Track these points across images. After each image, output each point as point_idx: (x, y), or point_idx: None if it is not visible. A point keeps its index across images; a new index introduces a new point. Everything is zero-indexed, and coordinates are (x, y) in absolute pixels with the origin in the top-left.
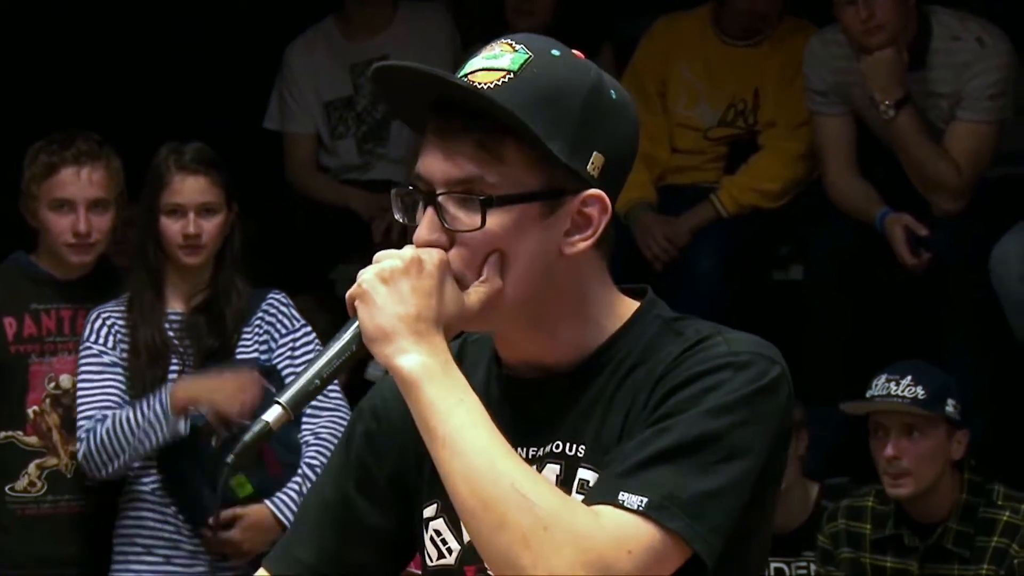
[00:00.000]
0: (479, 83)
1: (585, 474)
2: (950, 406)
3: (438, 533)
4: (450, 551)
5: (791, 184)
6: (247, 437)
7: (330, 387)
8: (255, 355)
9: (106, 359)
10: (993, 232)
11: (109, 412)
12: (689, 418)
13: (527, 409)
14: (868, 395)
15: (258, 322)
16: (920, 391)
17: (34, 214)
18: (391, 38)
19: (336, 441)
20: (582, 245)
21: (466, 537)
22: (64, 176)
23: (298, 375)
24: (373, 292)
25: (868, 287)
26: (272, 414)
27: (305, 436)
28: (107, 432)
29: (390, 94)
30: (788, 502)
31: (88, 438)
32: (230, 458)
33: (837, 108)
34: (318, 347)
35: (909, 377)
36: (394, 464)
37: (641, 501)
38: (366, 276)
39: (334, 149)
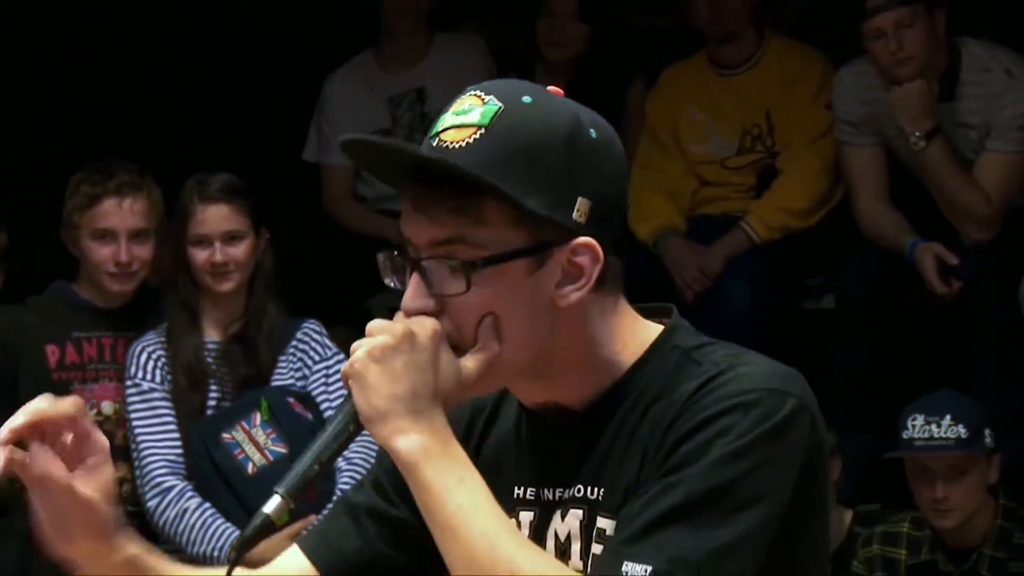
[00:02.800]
0: (449, 142)
1: (603, 523)
2: (988, 437)
3: None
4: None
5: (817, 200)
6: (247, 532)
7: None
8: (291, 381)
9: (156, 395)
10: (1023, 261)
11: (185, 492)
12: (697, 471)
13: (551, 451)
14: (907, 436)
15: (292, 350)
16: (962, 430)
17: (76, 243)
18: (427, 69)
19: (368, 465)
20: (575, 296)
21: None
22: (106, 207)
23: (295, 462)
24: (365, 372)
25: (898, 315)
26: (271, 505)
27: (338, 463)
28: (172, 524)
29: (368, 163)
30: None
31: (158, 507)
32: (232, 555)
33: (868, 139)
34: None
35: (948, 417)
36: None
37: (645, 570)
38: (357, 355)
39: (371, 179)
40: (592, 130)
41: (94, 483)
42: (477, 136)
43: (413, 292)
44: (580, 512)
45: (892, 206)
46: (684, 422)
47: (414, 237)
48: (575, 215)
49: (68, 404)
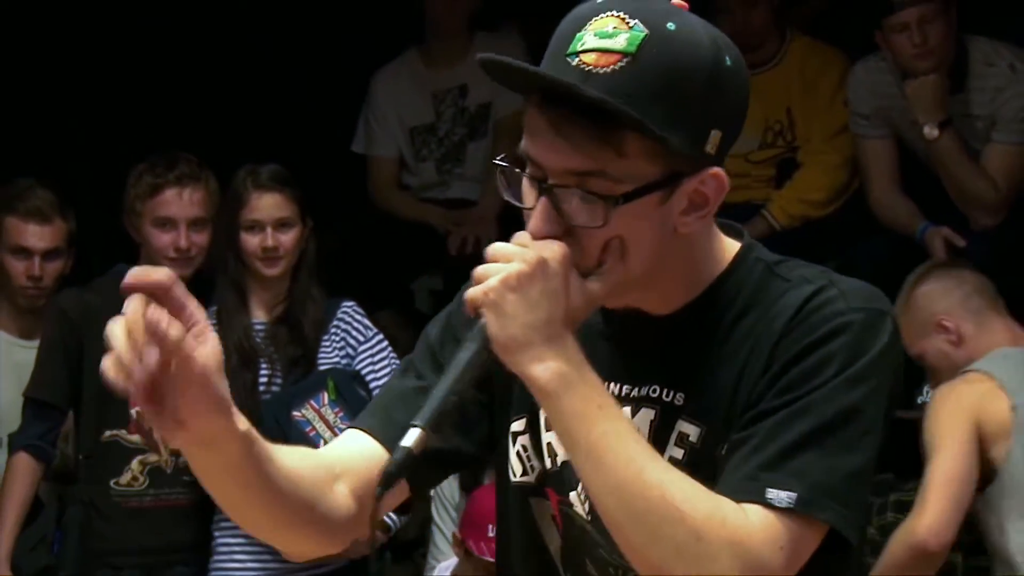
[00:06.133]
0: (593, 66)
1: (686, 428)
2: None
3: (525, 449)
4: (532, 469)
5: (835, 191)
6: (391, 468)
7: (392, 359)
8: (336, 360)
9: None
10: None
11: None
12: (824, 394)
13: (627, 345)
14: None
15: (334, 330)
16: None
17: (137, 229)
18: (469, 67)
19: None
20: (698, 224)
21: (549, 461)
22: (167, 196)
23: (430, 394)
24: (501, 301)
25: None
26: (411, 438)
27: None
28: None
29: (497, 75)
30: None
31: None
32: (378, 491)
33: (880, 130)
34: (392, 355)
35: None
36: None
37: (791, 497)
38: (492, 284)
39: (416, 170)
40: (727, 56)
41: (205, 351)
42: (624, 63)
43: (542, 216)
44: (652, 412)
45: (903, 193)
46: (794, 341)
47: (549, 161)
48: (707, 147)
49: (162, 273)
